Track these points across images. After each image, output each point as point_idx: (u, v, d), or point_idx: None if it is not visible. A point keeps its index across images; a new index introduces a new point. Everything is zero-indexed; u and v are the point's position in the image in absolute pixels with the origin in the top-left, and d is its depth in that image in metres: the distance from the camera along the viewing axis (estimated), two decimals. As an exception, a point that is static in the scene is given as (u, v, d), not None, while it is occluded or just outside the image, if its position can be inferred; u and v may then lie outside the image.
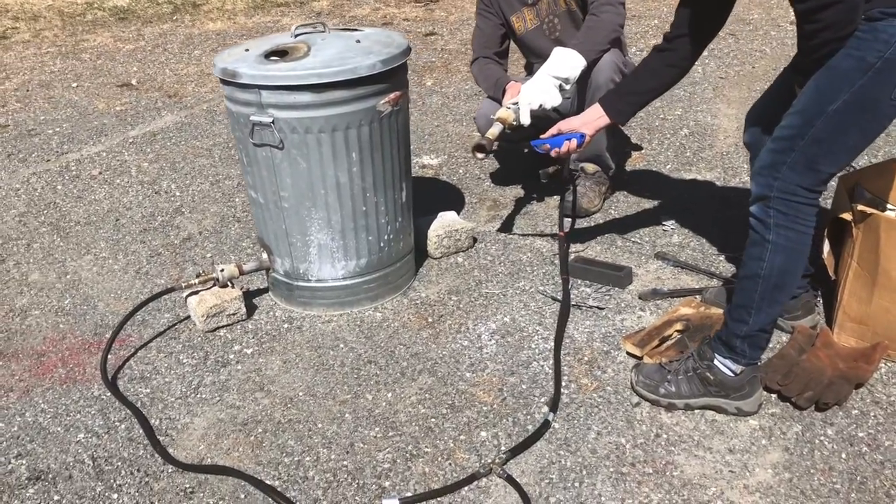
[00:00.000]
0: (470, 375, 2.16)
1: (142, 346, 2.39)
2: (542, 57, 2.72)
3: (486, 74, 3.00)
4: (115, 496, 1.83)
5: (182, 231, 3.08)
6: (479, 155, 2.52)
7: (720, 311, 2.27)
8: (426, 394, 2.10)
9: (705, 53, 4.86)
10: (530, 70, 3.13)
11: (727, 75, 4.49)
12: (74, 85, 5.17)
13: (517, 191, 3.23)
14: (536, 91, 2.51)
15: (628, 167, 3.37)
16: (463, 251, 2.78)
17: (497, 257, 2.74)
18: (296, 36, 2.33)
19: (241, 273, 2.47)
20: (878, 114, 1.71)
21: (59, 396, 2.19)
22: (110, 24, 6.98)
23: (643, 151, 3.52)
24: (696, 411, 1.96)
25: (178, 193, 3.43)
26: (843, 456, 1.80)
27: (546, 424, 1.94)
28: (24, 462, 1.95)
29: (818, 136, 1.71)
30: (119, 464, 1.93)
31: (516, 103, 2.56)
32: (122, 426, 2.06)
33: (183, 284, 2.43)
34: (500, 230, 2.91)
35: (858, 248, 2.05)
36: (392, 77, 2.26)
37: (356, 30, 2.45)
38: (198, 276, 2.44)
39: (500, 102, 2.80)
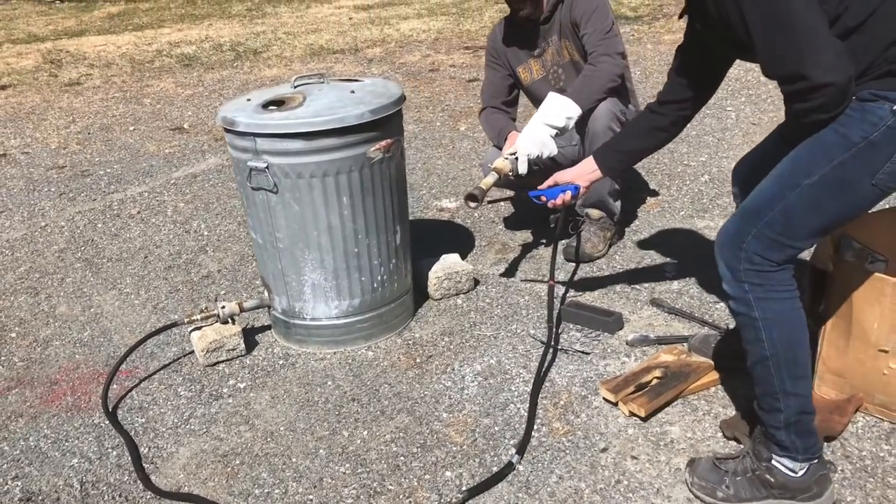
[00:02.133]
0: (446, 416, 2.20)
1: (146, 377, 2.52)
2: None
3: (491, 123, 3.09)
4: (95, 519, 1.94)
5: (203, 269, 3.24)
6: (472, 204, 2.59)
7: (701, 358, 2.26)
8: (401, 432, 2.15)
9: (742, 98, 4.86)
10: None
11: (760, 121, 4.46)
12: (132, 128, 5.47)
13: (526, 235, 3.28)
14: (530, 141, 2.58)
15: (642, 213, 3.38)
16: (464, 293, 2.84)
17: (496, 300, 2.79)
18: (295, 87, 2.46)
19: (242, 310, 2.59)
20: (856, 195, 1.62)
21: (62, 423, 2.32)
22: (175, 70, 7.36)
23: (659, 197, 3.53)
24: (662, 459, 1.96)
25: (206, 233, 3.60)
26: (802, 510, 1.77)
27: (509, 466, 1.97)
28: (18, 484, 2.09)
29: (789, 209, 1.62)
30: (104, 488, 2.04)
31: (514, 153, 2.63)
32: (114, 453, 2.18)
33: (186, 320, 2.56)
34: (503, 274, 2.96)
35: (835, 299, 2.02)
36: (382, 125, 2.36)
37: (356, 80, 2.57)
38: (200, 311, 2.56)
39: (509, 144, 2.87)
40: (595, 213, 3.02)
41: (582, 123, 2.75)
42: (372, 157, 2.36)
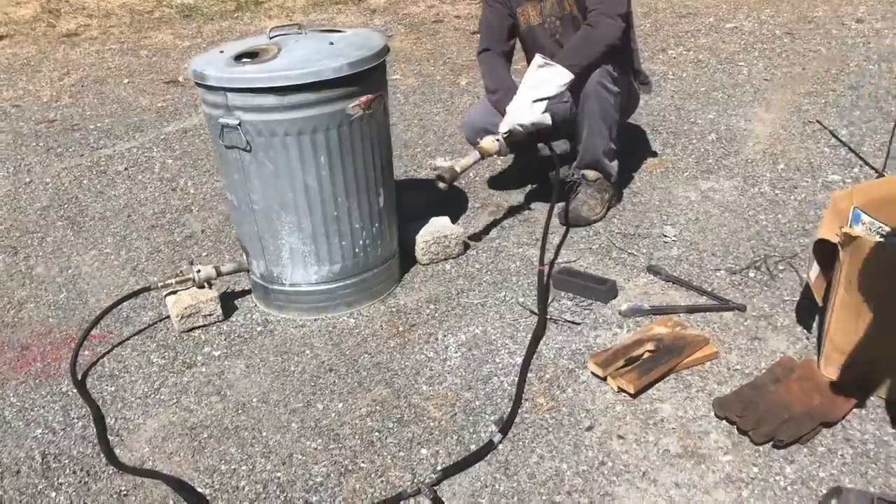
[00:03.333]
0: (426, 388, 2.10)
1: (120, 343, 2.42)
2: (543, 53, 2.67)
3: (493, 74, 2.92)
4: (54, 494, 1.86)
5: (186, 229, 3.12)
6: (441, 185, 2.50)
7: (695, 332, 2.14)
8: (378, 406, 2.05)
9: (755, 52, 4.65)
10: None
11: (773, 77, 4.26)
12: (126, 81, 5.32)
13: (522, 196, 3.13)
14: (520, 114, 2.55)
15: (644, 174, 3.23)
16: (453, 258, 2.72)
17: (485, 265, 2.66)
18: (271, 37, 2.32)
19: (219, 275, 2.48)
20: None
21: (29, 391, 2.24)
22: (175, 21, 7.17)
23: (662, 157, 3.37)
24: (650, 439, 1.85)
25: (192, 191, 3.48)
26: (796, 499, 1.66)
27: (490, 445, 1.86)
28: (-21, 455, 2.01)
29: None
30: (66, 462, 1.96)
31: (506, 134, 2.60)
32: (80, 424, 2.09)
33: (160, 284, 2.45)
34: (494, 238, 2.83)
35: (845, 274, 1.88)
36: (363, 80, 2.21)
37: (337, 31, 2.41)
38: (175, 276, 2.46)
39: (501, 114, 2.73)
40: (591, 174, 2.87)
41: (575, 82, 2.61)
42: (351, 115, 2.22)
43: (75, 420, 2.10)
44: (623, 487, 1.73)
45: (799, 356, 2.08)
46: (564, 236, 2.77)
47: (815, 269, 2.02)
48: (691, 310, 2.30)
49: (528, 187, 3.20)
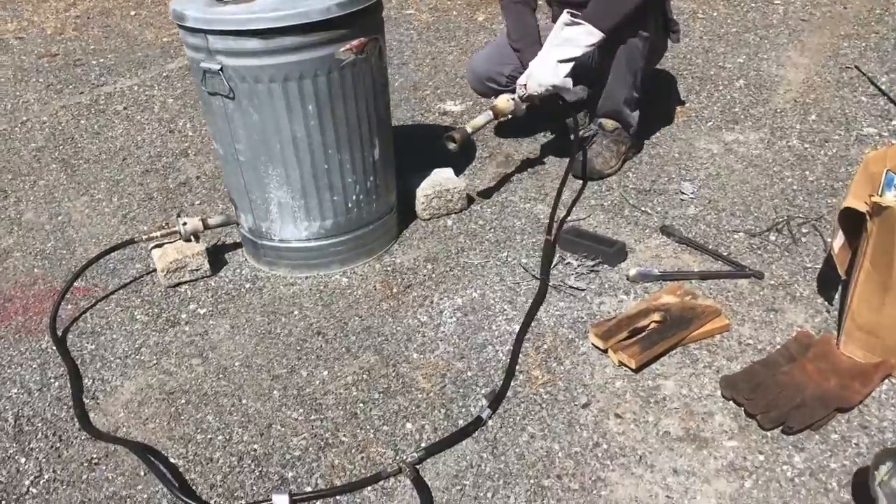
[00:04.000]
0: (417, 357, 1.98)
1: (104, 297, 2.33)
2: (566, 3, 2.47)
3: (522, 25, 2.70)
4: (24, 460, 1.78)
5: (181, 174, 3.00)
6: (451, 146, 2.35)
7: (707, 301, 1.99)
8: (364, 374, 1.94)
9: (794, -10, 4.35)
10: (555, 20, 2.80)
11: (810, 17, 3.99)
12: (133, 13, 5.15)
13: (534, 146, 2.96)
14: (542, 75, 2.40)
15: (665, 123, 3.03)
16: (455, 213, 2.57)
17: (489, 222, 2.52)
18: (257, -25, 2.14)
19: (206, 227, 2.36)
20: None
21: (7, 347, 2.16)
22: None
23: (686, 106, 3.16)
24: (650, 420, 1.73)
25: (190, 133, 3.34)
26: (803, 492, 1.53)
27: (478, 421, 1.75)
28: (-49, 415, 1.93)
29: None
30: (40, 425, 1.88)
31: (521, 96, 2.45)
32: (56, 384, 2.01)
33: (144, 237, 2.34)
34: (500, 192, 2.67)
35: (872, 247, 1.72)
36: (355, 21, 2.04)
37: (330, -33, 2.22)
38: (160, 228, 2.34)
39: (523, 65, 2.55)
40: (609, 123, 2.69)
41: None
42: (342, 60, 2.06)
43: (52, 380, 2.02)
44: (617, 473, 1.61)
45: (818, 331, 1.93)
46: (580, 192, 2.60)
47: (839, 238, 1.85)
48: (704, 276, 2.14)
49: (542, 136, 3.02)
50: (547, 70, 2.39)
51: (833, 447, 1.62)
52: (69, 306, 2.29)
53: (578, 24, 2.37)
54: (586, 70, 2.60)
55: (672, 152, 2.82)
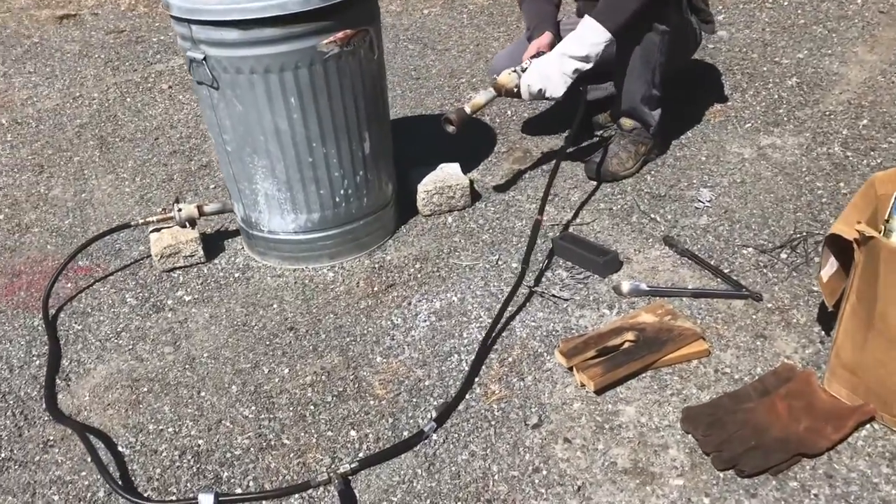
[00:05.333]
0: (380, 360, 1.94)
1: (103, 277, 2.38)
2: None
3: (530, 10, 2.62)
4: (-13, 437, 1.84)
5: (205, 157, 3.03)
6: (450, 129, 2.26)
7: (687, 324, 1.85)
8: (324, 375, 1.91)
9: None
10: (580, 13, 2.66)
11: (890, 9, 3.66)
12: (203, -9, 5.24)
13: (555, 143, 2.84)
14: (539, 75, 2.30)
15: (700, 122, 2.85)
16: (458, 210, 2.50)
17: (489, 221, 2.43)
18: (247, -37, 2.11)
19: (202, 214, 2.38)
20: None
21: (3, 322, 2.23)
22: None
23: (727, 104, 2.97)
24: (599, 448, 1.63)
25: (224, 115, 3.37)
26: (742, 545, 1.41)
27: (419, 435, 1.69)
28: (-65, 387, 2.02)
29: None
30: (11, 402, 1.94)
31: (525, 69, 2.32)
32: (37, 363, 2.07)
33: (140, 221, 2.37)
34: (506, 190, 2.58)
35: (858, 278, 1.56)
36: (338, 13, 1.99)
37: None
38: (157, 213, 2.37)
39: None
40: (627, 122, 2.55)
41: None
42: (325, 52, 2.01)
43: (35, 357, 2.08)
44: (551, 502, 1.53)
45: (806, 364, 1.77)
46: (592, 193, 2.48)
47: (829, 266, 1.68)
48: (697, 294, 2.00)
49: (566, 134, 2.89)
50: (546, 69, 2.28)
51: (789, 496, 1.48)
52: (69, 285, 2.35)
53: (588, 20, 2.25)
54: (607, 64, 2.46)
55: (699, 155, 2.65)
